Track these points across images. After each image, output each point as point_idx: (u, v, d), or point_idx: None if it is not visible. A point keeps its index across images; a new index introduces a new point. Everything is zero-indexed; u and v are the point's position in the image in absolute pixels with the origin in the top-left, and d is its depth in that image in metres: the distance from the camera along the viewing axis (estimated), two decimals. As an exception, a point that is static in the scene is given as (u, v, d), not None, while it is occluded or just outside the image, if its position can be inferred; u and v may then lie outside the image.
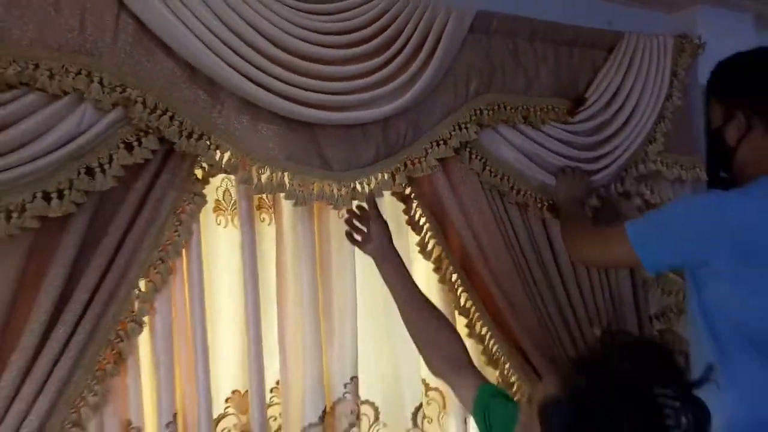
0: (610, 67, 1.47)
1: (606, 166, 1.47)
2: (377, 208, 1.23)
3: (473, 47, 1.30)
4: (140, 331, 1.04)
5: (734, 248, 1.01)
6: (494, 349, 1.39)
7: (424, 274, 1.39)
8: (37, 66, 0.90)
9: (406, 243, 1.36)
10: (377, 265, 1.20)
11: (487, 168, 1.34)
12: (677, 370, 0.70)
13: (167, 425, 1.06)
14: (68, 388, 0.96)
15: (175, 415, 1.07)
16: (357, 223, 1.23)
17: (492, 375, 1.39)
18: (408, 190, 1.33)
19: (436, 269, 1.36)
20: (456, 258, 1.37)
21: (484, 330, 1.38)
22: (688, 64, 1.59)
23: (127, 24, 0.96)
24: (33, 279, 0.94)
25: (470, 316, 1.38)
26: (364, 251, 1.22)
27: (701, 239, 1.04)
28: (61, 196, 0.93)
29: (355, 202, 1.23)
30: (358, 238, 1.22)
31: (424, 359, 1.13)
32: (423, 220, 1.34)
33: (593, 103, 1.45)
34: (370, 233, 1.20)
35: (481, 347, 1.39)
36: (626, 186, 1.54)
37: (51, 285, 0.94)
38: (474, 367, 1.07)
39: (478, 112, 1.30)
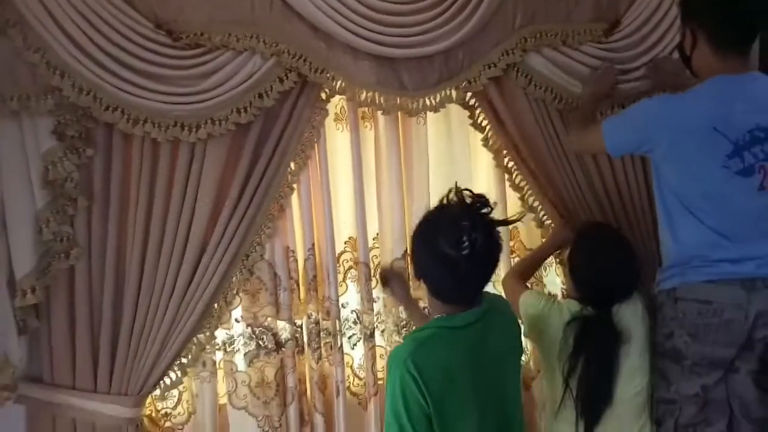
0: (648, -7, 1.76)
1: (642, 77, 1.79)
2: (394, 272, 1.70)
3: (519, -11, 1.69)
4: (292, 193, 1.70)
5: (671, 138, 1.37)
6: (543, 216, 1.87)
7: (485, 164, 1.92)
8: (229, 35, 1.53)
9: (474, 139, 1.88)
10: (402, 306, 1.74)
11: (532, 83, 1.75)
12: (486, 219, 1.17)
13: (309, 249, 1.74)
14: (254, 223, 1.66)
15: (313, 245, 1.76)
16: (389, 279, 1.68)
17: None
18: (472, 101, 1.80)
19: (495, 158, 1.85)
20: (511, 149, 1.84)
21: (536, 203, 1.86)
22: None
23: (276, 4, 1.55)
24: (232, 161, 1.62)
25: (523, 192, 1.86)
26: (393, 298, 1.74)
27: (648, 131, 1.41)
28: (246, 111, 1.58)
29: (430, 113, 1.76)
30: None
31: None
32: (485, 122, 1.83)
33: (629, 23, 1.76)
34: (392, 288, 1.67)
35: (533, 215, 1.88)
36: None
37: (242, 165, 1.62)
38: None
39: (523, 40, 1.70)
